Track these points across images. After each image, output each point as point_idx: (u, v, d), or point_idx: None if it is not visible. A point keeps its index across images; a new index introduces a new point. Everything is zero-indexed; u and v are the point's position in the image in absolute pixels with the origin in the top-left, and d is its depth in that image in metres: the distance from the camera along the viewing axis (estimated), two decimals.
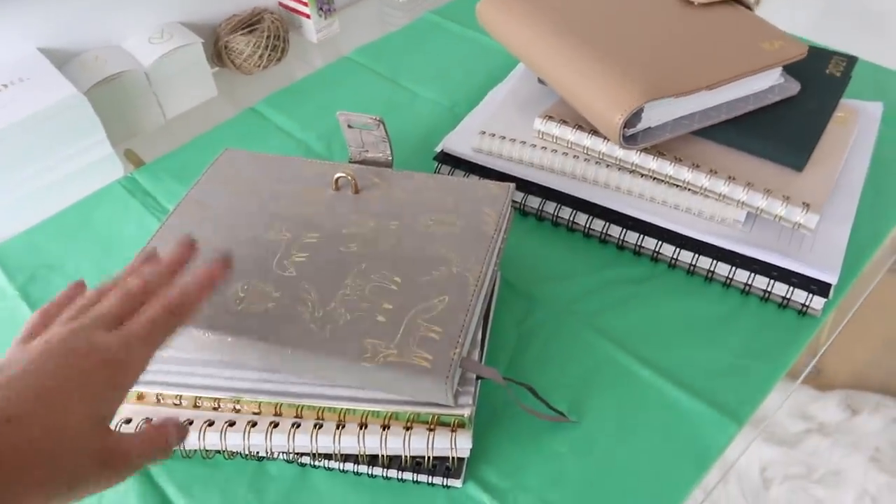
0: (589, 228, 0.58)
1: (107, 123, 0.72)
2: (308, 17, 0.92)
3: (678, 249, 0.55)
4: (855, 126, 0.58)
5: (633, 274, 0.56)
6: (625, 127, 0.51)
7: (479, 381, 0.46)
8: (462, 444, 0.43)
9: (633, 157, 0.55)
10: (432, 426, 0.43)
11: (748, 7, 0.62)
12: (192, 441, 0.45)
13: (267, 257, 0.48)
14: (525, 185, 0.60)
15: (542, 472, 0.45)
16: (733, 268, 0.53)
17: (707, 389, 0.48)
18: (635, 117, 0.52)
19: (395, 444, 0.43)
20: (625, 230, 0.57)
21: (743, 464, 1.13)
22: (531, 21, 0.61)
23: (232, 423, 0.45)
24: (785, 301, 0.52)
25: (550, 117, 0.58)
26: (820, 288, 0.51)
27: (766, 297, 0.53)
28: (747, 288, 0.54)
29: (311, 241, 0.49)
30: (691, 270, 0.55)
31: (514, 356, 0.51)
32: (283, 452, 0.46)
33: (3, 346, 0.56)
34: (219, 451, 0.46)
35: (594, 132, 0.56)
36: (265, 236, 0.50)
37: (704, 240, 0.54)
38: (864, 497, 1.08)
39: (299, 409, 0.45)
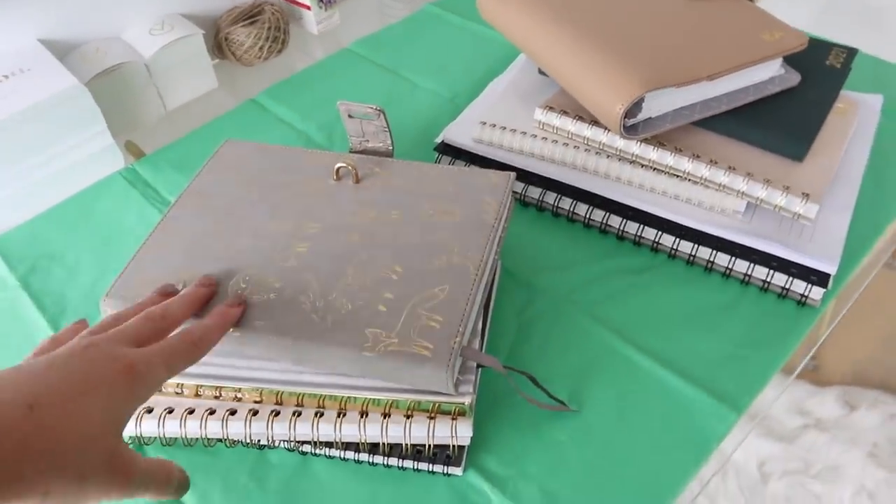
0: (589, 219, 0.58)
1: (107, 115, 0.72)
2: (308, 8, 0.92)
3: (678, 239, 0.55)
4: (855, 118, 0.59)
5: (633, 264, 0.57)
6: (625, 117, 0.51)
7: (480, 369, 0.46)
8: (462, 433, 0.43)
9: (634, 147, 0.55)
10: (433, 414, 0.44)
11: None
12: (193, 429, 0.45)
13: (268, 248, 0.48)
14: (525, 176, 0.61)
15: (542, 460, 0.45)
16: (733, 258, 0.53)
17: (706, 378, 0.49)
18: (636, 107, 0.52)
19: (396, 432, 0.43)
20: (625, 220, 0.57)
21: (741, 459, 1.13)
22: (532, 11, 0.61)
23: (233, 412, 0.45)
24: (784, 291, 0.52)
25: (551, 108, 0.59)
26: (819, 278, 0.51)
27: (765, 287, 0.53)
28: (747, 278, 0.54)
29: (313, 232, 0.49)
30: (691, 260, 0.56)
31: (514, 345, 0.52)
32: (284, 441, 0.46)
33: (4, 336, 0.57)
34: (220, 440, 0.46)
35: (595, 122, 0.56)
36: (266, 227, 0.50)
37: (704, 230, 0.54)
38: (861, 492, 1.09)
39: (300, 398, 0.45)
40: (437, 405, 0.43)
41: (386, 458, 0.45)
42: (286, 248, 0.48)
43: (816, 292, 0.51)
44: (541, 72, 0.67)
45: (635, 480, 0.44)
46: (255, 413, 0.45)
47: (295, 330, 0.43)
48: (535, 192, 0.60)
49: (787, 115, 0.55)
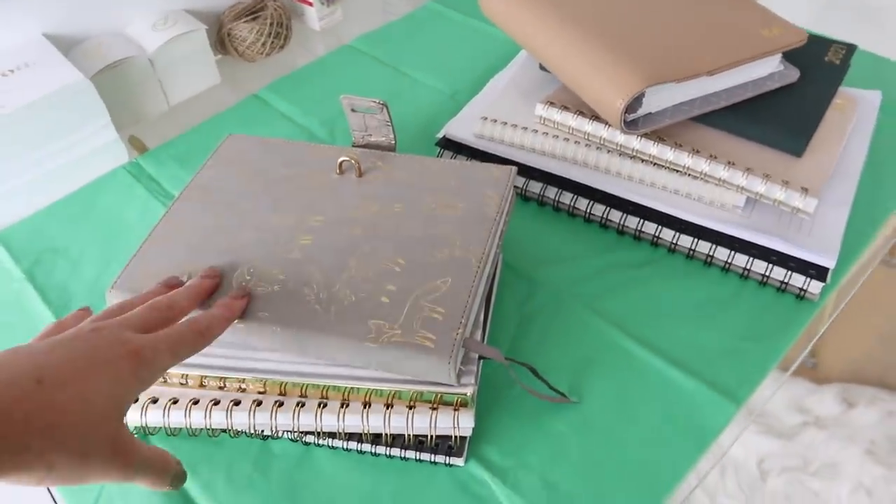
0: (589, 213, 0.59)
1: (111, 109, 0.73)
2: (311, 4, 0.93)
3: (678, 234, 0.56)
4: (853, 113, 0.59)
5: (634, 258, 0.57)
6: (626, 112, 0.52)
7: (482, 361, 0.46)
8: (464, 423, 0.44)
9: (634, 142, 0.55)
10: (435, 405, 0.44)
11: None
12: (198, 419, 0.46)
13: (272, 241, 0.49)
14: (526, 171, 0.61)
15: (542, 450, 0.46)
16: (732, 252, 0.54)
17: (706, 370, 0.49)
18: (636, 102, 0.52)
19: (399, 422, 0.44)
20: (625, 215, 0.57)
21: (740, 456, 1.14)
22: (533, 7, 0.61)
23: (237, 403, 0.46)
24: (783, 285, 0.53)
25: (552, 103, 0.59)
26: (818, 272, 0.52)
27: (764, 281, 0.54)
28: (746, 272, 0.54)
29: (316, 225, 0.50)
30: (691, 255, 0.56)
31: (515, 337, 0.52)
32: (287, 431, 0.46)
33: (9, 327, 0.57)
34: (224, 430, 0.47)
35: (595, 118, 0.57)
36: (270, 220, 0.51)
37: (704, 224, 0.55)
38: (859, 489, 1.09)
39: (304, 389, 0.45)
40: (439, 396, 0.44)
41: (388, 448, 0.45)
42: (290, 240, 0.49)
43: (815, 286, 0.52)
44: (542, 67, 0.67)
45: (635, 471, 0.44)
46: (259, 404, 0.45)
47: (298, 321, 0.43)
48: (536, 187, 0.61)
49: (786, 111, 0.56)
